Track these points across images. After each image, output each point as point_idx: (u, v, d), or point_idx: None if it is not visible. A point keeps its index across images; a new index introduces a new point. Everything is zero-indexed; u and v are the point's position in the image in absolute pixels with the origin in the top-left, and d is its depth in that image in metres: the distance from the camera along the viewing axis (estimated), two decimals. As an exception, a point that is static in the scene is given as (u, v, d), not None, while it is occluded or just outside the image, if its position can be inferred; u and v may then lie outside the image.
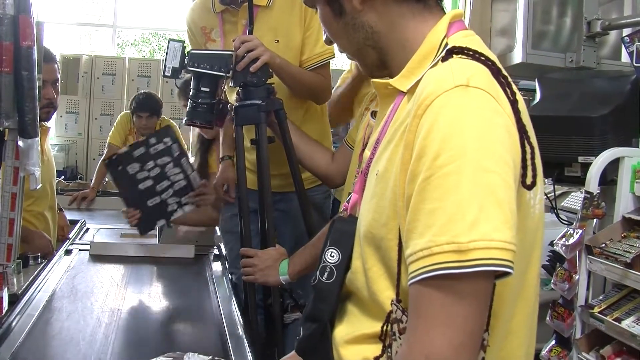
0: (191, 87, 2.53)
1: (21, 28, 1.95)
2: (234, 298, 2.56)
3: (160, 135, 3.03)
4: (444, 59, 1.13)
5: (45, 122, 3.30)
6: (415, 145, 1.05)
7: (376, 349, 1.18)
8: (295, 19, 2.73)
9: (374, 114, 2.23)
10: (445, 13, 1.24)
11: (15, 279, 2.14)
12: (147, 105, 5.33)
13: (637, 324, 2.22)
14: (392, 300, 1.14)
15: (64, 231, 3.54)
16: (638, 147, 2.49)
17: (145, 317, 2.33)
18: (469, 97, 1.03)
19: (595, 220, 2.52)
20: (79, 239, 3.45)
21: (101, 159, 5.52)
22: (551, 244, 2.66)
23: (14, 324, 2.16)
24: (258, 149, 2.53)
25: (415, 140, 1.05)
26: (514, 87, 1.10)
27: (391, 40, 1.25)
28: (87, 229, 3.69)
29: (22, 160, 2.06)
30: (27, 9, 1.97)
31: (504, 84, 1.09)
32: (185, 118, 2.55)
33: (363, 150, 1.67)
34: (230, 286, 2.73)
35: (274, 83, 2.55)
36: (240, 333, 2.19)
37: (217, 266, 3.09)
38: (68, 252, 3.17)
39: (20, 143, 2.03)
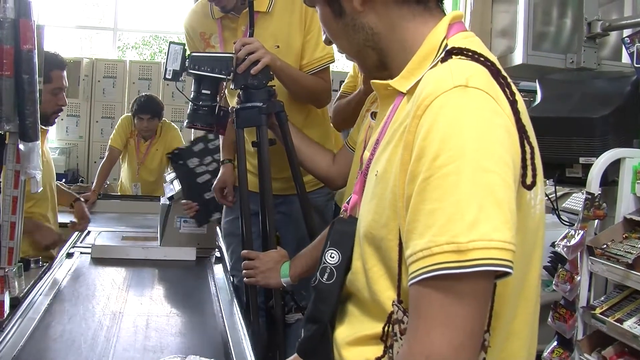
0: (192, 89, 2.53)
1: (22, 32, 1.95)
2: (235, 300, 2.56)
3: None
4: (443, 60, 1.13)
5: (44, 126, 3.32)
6: (415, 146, 1.05)
7: (377, 350, 1.18)
8: (295, 24, 2.74)
9: (374, 115, 2.23)
10: (445, 14, 1.24)
11: (16, 283, 2.13)
12: (148, 107, 5.33)
13: (639, 325, 2.22)
14: (393, 301, 1.14)
15: (82, 222, 3.53)
16: (639, 148, 2.49)
17: (147, 320, 2.33)
18: (468, 97, 1.03)
19: (596, 221, 2.52)
20: (81, 242, 3.45)
21: (102, 162, 5.53)
22: (552, 245, 2.66)
23: (15, 327, 2.16)
24: (259, 152, 2.53)
25: (414, 141, 1.05)
26: (514, 88, 1.10)
27: (391, 42, 1.25)
28: (89, 232, 3.68)
29: (23, 164, 2.06)
30: (27, 12, 1.97)
31: (504, 85, 1.09)
32: (186, 121, 2.55)
33: (364, 151, 1.67)
34: (231, 288, 2.73)
35: (274, 85, 2.56)
36: (242, 335, 2.19)
37: (218, 268, 3.09)
38: (69, 255, 3.17)
39: (21, 146, 2.03)
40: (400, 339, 1.11)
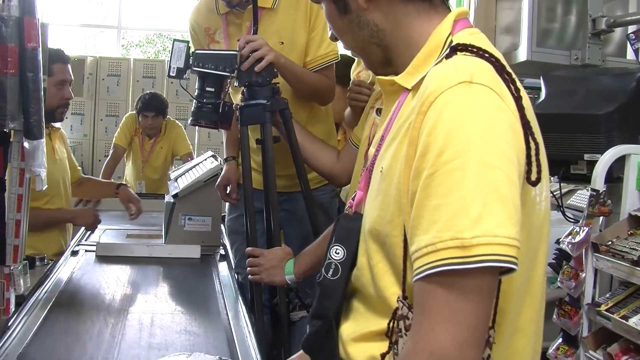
0: (196, 87, 2.53)
1: (26, 30, 1.95)
2: (240, 298, 2.56)
3: None
4: (448, 56, 1.13)
5: (54, 123, 3.33)
6: (420, 142, 1.05)
7: (383, 345, 1.18)
8: (300, 21, 2.73)
9: (378, 112, 2.23)
10: (450, 11, 1.24)
11: (22, 280, 2.14)
12: (152, 105, 5.34)
13: (644, 321, 2.21)
14: (398, 297, 1.14)
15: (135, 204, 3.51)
16: (644, 145, 2.49)
17: (152, 317, 2.34)
18: (472, 93, 1.03)
19: (601, 218, 2.51)
20: (85, 240, 3.45)
21: (107, 160, 5.54)
22: (557, 242, 2.65)
23: (21, 324, 2.17)
24: (263, 149, 2.53)
25: (419, 137, 1.05)
26: (519, 84, 1.10)
27: (396, 38, 1.25)
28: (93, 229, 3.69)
29: (27, 162, 2.06)
30: (31, 10, 1.97)
31: (508, 81, 1.09)
32: (191, 118, 2.55)
33: (368, 147, 1.66)
34: (236, 286, 2.73)
35: (278, 83, 2.55)
36: (247, 333, 2.19)
37: (223, 266, 3.09)
38: (74, 253, 3.18)
39: (25, 144, 2.03)
40: (405, 334, 1.11)
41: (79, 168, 3.82)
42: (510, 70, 1.11)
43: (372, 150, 1.31)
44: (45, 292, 2.53)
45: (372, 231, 1.21)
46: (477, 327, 1.00)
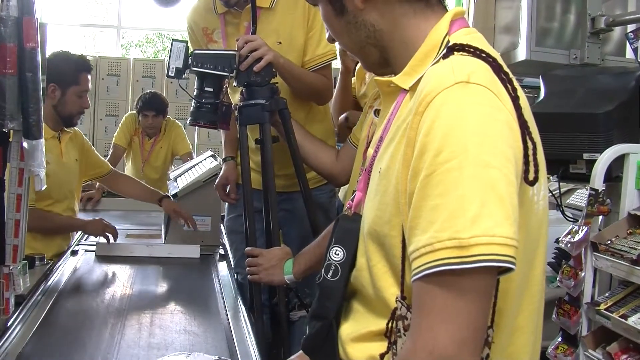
0: (195, 87, 2.53)
1: (25, 29, 1.95)
2: (239, 298, 2.56)
3: None
4: (445, 56, 1.12)
5: (66, 127, 3.35)
6: (417, 142, 1.05)
7: (382, 346, 1.18)
8: (298, 20, 2.73)
9: (377, 112, 2.23)
10: (447, 11, 1.24)
11: (21, 280, 2.14)
12: (153, 104, 5.33)
13: (643, 320, 2.21)
14: (397, 297, 1.14)
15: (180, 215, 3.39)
16: (643, 144, 2.49)
17: (151, 317, 2.34)
18: (469, 93, 1.03)
19: (600, 217, 2.52)
20: (85, 240, 3.46)
21: (106, 159, 5.53)
22: (557, 241, 2.65)
23: (20, 324, 2.17)
24: (262, 149, 2.53)
25: (416, 137, 1.05)
26: (516, 84, 1.10)
27: (393, 39, 1.25)
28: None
29: (27, 162, 2.07)
30: (30, 10, 1.98)
31: (505, 81, 1.09)
32: (190, 118, 2.55)
33: (367, 148, 1.66)
34: (235, 286, 2.73)
35: (277, 83, 2.55)
36: (246, 333, 2.19)
37: (222, 266, 3.09)
38: (74, 252, 3.19)
39: (24, 144, 2.03)
40: (404, 335, 1.11)
41: (105, 162, 3.80)
42: (507, 70, 1.11)
43: (370, 151, 1.31)
44: (45, 292, 2.53)
45: (371, 231, 1.21)
46: (476, 326, 1.00)
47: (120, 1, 8.51)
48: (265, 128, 2.51)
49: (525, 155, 1.06)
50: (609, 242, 2.38)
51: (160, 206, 3.41)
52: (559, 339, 2.60)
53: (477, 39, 1.17)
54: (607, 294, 2.43)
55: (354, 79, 3.30)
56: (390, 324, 1.16)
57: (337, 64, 3.18)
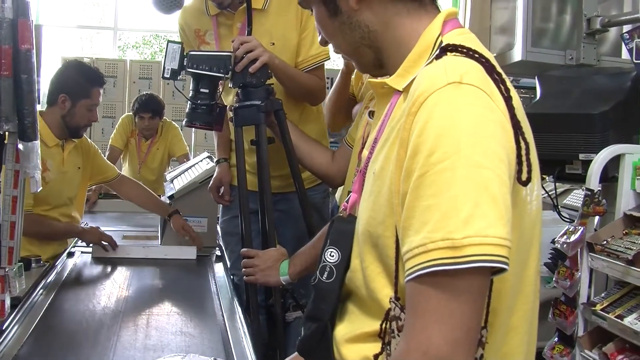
0: (190, 88, 2.53)
1: (20, 31, 1.95)
2: (235, 299, 2.56)
3: None
4: (438, 57, 1.13)
5: (73, 138, 3.35)
6: (410, 143, 1.05)
7: (376, 347, 1.18)
8: (291, 21, 2.73)
9: (371, 114, 2.23)
10: (440, 11, 1.24)
11: (17, 282, 2.14)
12: (149, 106, 5.33)
13: (639, 320, 2.21)
14: (391, 298, 1.15)
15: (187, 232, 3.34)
16: (639, 144, 2.49)
17: (147, 318, 2.33)
18: (462, 94, 1.04)
19: (596, 217, 2.52)
20: (82, 242, 3.45)
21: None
22: (553, 241, 2.65)
23: (16, 327, 2.17)
24: (258, 150, 2.53)
25: (409, 138, 1.06)
26: (509, 84, 1.10)
27: (387, 39, 1.25)
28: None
29: (22, 164, 2.06)
30: (25, 12, 1.97)
31: (498, 81, 1.09)
32: (185, 119, 2.55)
33: (362, 149, 1.67)
34: (232, 287, 2.73)
35: (273, 84, 2.55)
36: (242, 334, 2.19)
37: (219, 267, 3.09)
38: (70, 254, 3.18)
39: (20, 146, 2.03)
40: (398, 335, 1.11)
41: (112, 167, 3.77)
42: (500, 70, 1.11)
43: (365, 152, 1.31)
44: (41, 294, 2.53)
45: (365, 232, 1.21)
46: (470, 327, 1.00)
47: (117, 3, 8.50)
48: (260, 129, 2.51)
49: (518, 156, 1.06)
50: (605, 242, 2.38)
51: (169, 221, 3.37)
52: (555, 340, 2.61)
53: (470, 40, 1.17)
54: (603, 295, 2.43)
55: (353, 77, 3.29)
56: (384, 325, 1.16)
57: (335, 63, 3.18)
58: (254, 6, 2.64)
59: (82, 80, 3.28)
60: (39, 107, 2.18)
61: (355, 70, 3.27)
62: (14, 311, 2.24)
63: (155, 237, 3.50)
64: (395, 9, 1.23)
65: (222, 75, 2.46)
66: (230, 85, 2.54)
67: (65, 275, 2.83)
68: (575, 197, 3.73)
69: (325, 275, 1.31)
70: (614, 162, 2.45)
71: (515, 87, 1.14)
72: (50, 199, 3.22)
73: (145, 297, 2.64)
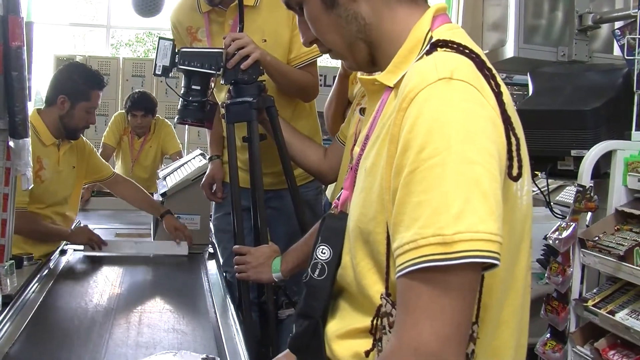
0: (182, 85, 2.53)
1: (10, 28, 1.95)
2: (228, 296, 2.56)
3: None
4: (428, 53, 1.12)
5: (70, 139, 3.34)
6: (400, 139, 1.05)
7: (367, 343, 1.18)
8: (283, 18, 2.72)
9: (362, 111, 2.23)
10: (429, 6, 1.24)
11: (8, 280, 2.14)
12: (142, 104, 5.32)
13: (630, 316, 2.22)
14: (382, 294, 1.14)
15: (180, 232, 3.33)
16: (630, 140, 2.49)
17: (140, 316, 2.33)
18: (452, 89, 1.03)
19: (588, 213, 2.52)
20: (73, 240, 3.44)
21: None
22: (545, 238, 2.66)
23: (8, 324, 2.16)
24: (250, 147, 2.52)
25: (400, 134, 1.05)
26: (499, 80, 1.10)
27: (381, 34, 1.24)
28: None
29: (13, 161, 2.06)
30: (16, 9, 1.97)
31: (489, 77, 1.08)
32: (177, 116, 2.55)
33: (354, 146, 1.66)
34: (224, 284, 2.73)
35: (264, 80, 2.55)
36: (235, 331, 2.19)
37: (211, 264, 3.09)
38: (63, 252, 3.18)
39: (11, 144, 2.02)
40: (389, 331, 1.11)
41: (107, 166, 3.76)
42: (490, 66, 1.11)
43: (357, 149, 1.31)
44: (33, 291, 2.53)
45: (356, 229, 1.21)
46: (460, 322, 1.00)
47: (109, 0, 8.47)
48: (252, 126, 2.50)
49: (509, 151, 1.06)
50: (597, 238, 2.39)
51: (161, 221, 3.37)
52: (547, 335, 2.61)
53: (460, 35, 1.17)
54: (594, 290, 2.43)
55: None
56: (375, 321, 1.16)
57: (329, 61, 3.17)
58: (245, 3, 2.63)
59: (82, 83, 3.28)
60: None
61: (353, 73, 3.27)
62: (6, 309, 2.24)
63: (148, 235, 3.50)
64: (389, 2, 1.22)
65: (214, 72, 2.46)
66: (222, 82, 2.54)
67: (58, 272, 2.83)
68: (568, 194, 3.74)
69: (316, 272, 1.31)
70: (606, 158, 2.45)
71: (508, 84, 1.14)
72: (45, 197, 3.22)
73: (138, 294, 2.64)
